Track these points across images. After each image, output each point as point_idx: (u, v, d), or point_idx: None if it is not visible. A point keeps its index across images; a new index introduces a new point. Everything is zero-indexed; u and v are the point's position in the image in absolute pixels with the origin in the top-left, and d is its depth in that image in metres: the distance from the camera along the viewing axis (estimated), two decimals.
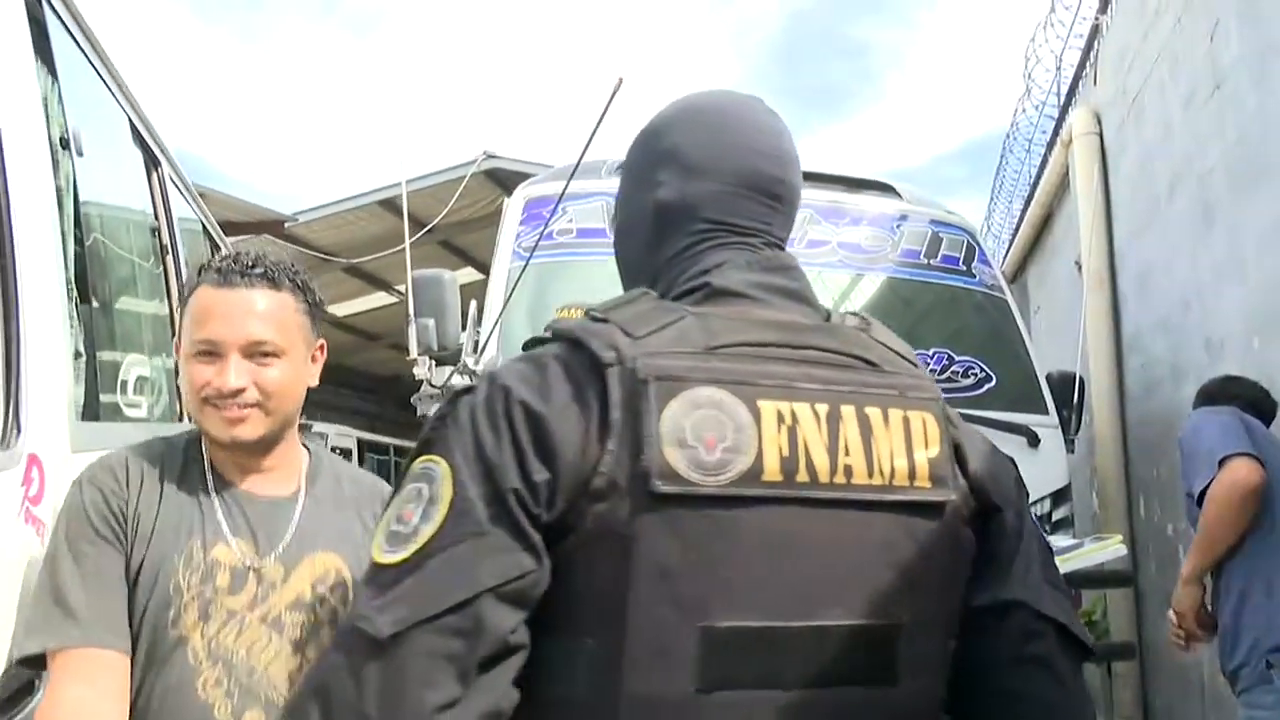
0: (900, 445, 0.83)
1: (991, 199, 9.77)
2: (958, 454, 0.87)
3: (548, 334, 0.87)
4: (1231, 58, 3.08)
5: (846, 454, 0.80)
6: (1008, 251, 8.15)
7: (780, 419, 0.79)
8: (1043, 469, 3.52)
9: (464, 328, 3.40)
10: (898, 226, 3.95)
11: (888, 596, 0.82)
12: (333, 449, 16.57)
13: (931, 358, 3.67)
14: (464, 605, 0.73)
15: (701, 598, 0.77)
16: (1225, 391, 2.54)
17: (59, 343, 1.58)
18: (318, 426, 16.87)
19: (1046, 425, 3.61)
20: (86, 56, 2.16)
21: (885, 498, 0.81)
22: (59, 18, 1.91)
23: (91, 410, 1.80)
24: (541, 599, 0.77)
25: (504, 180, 11.35)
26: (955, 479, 0.86)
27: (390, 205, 11.95)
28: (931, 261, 3.91)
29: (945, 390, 3.44)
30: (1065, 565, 2.30)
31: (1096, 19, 5.19)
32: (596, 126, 2.59)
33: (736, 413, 0.78)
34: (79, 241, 1.87)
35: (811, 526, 0.80)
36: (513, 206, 3.86)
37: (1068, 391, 3.79)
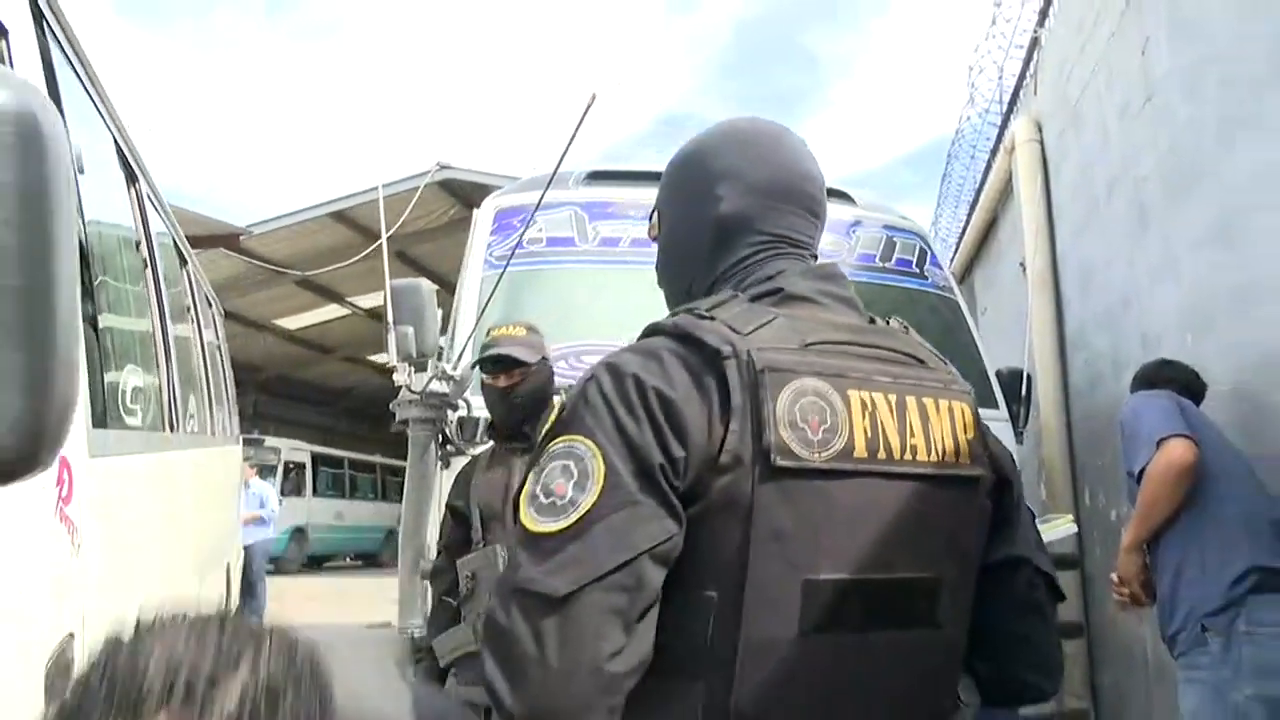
0: (949, 429, 0.99)
1: (938, 204, 10.05)
2: (983, 438, 1.04)
3: (660, 327, 0.99)
4: (1163, 71, 3.29)
5: (912, 435, 0.96)
6: (954, 255, 8.41)
7: (864, 406, 0.94)
8: None
9: (442, 334, 3.48)
10: (853, 231, 4.11)
11: (938, 554, 0.98)
12: (286, 464, 16.29)
13: None
14: (626, 565, 0.84)
15: (806, 556, 0.90)
16: (1161, 375, 2.72)
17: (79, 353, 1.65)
18: (270, 441, 16.73)
19: (996, 419, 3.77)
20: (78, 75, 2.22)
21: (941, 472, 0.98)
22: (56, 37, 1.98)
23: (100, 418, 1.87)
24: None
25: (457, 190, 11.41)
26: (985, 458, 1.02)
27: (342, 217, 11.92)
28: (886, 264, 4.08)
29: None
30: None
31: (1035, 31, 5.42)
32: (571, 139, 2.69)
33: (833, 400, 0.93)
34: (84, 257, 1.94)
35: (888, 495, 0.95)
36: (483, 217, 3.95)
37: (1016, 387, 3.98)
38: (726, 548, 0.89)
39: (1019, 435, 3.93)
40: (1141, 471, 2.43)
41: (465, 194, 11.33)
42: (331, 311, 15.45)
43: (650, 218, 1.18)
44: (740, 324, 0.95)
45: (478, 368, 2.74)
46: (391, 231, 10.76)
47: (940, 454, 0.98)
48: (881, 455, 0.94)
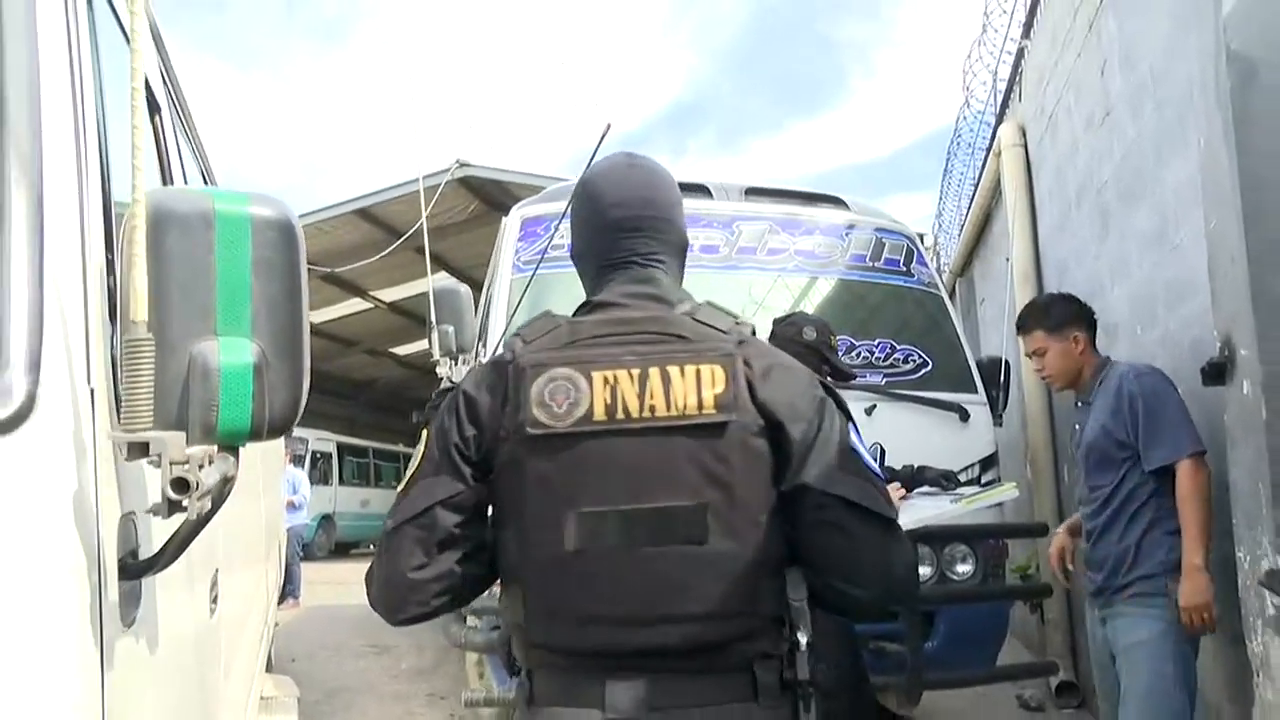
0: (692, 388, 1.25)
1: (940, 197, 10.42)
2: (751, 388, 1.27)
3: None
4: (1116, 91, 3.68)
5: (651, 397, 1.24)
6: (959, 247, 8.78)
7: (606, 382, 1.25)
8: (973, 440, 4.12)
9: (479, 334, 3.93)
10: (846, 235, 4.52)
11: (696, 486, 1.23)
12: (314, 453, 16.64)
13: (877, 346, 4.25)
14: (426, 511, 1.27)
15: (568, 494, 1.24)
16: None
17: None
18: (298, 432, 17.25)
19: (976, 403, 4.19)
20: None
21: (680, 423, 1.24)
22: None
23: None
24: (493, 507, 1.30)
25: (477, 187, 11.78)
26: (739, 405, 1.25)
27: (366, 214, 12.34)
28: (876, 264, 4.49)
29: (889, 374, 4.07)
30: (969, 507, 2.82)
31: (1021, 42, 5.80)
32: (589, 163, 3.12)
33: (578, 381, 1.25)
34: None
35: (632, 445, 1.24)
36: (511, 224, 4.38)
37: (995, 374, 4.36)
38: (514, 494, 1.27)
39: (998, 418, 4.32)
40: (1164, 468, 2.65)
41: (484, 191, 11.68)
42: (355, 305, 15.85)
43: None
44: (530, 335, 1.32)
45: None
46: (415, 228, 11.12)
47: (681, 408, 1.23)
48: (620, 416, 1.23)
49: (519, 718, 1.31)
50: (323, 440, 17.98)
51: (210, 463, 0.94)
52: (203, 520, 1.00)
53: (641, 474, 1.24)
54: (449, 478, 1.28)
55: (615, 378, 1.25)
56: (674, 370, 1.25)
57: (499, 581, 1.35)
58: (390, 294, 15.29)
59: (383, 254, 11.20)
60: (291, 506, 9.52)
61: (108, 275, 1.10)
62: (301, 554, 10.66)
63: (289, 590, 9.59)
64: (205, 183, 2.90)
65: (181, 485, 0.89)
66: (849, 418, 1.36)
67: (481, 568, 1.32)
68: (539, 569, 1.26)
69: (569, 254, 1.49)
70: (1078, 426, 2.98)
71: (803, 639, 1.25)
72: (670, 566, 1.23)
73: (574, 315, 1.38)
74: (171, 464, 0.89)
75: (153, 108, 1.78)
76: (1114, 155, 3.77)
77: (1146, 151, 3.38)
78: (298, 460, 14.15)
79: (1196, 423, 2.83)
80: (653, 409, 1.24)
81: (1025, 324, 3.07)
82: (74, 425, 0.90)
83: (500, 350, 1.34)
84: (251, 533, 3.05)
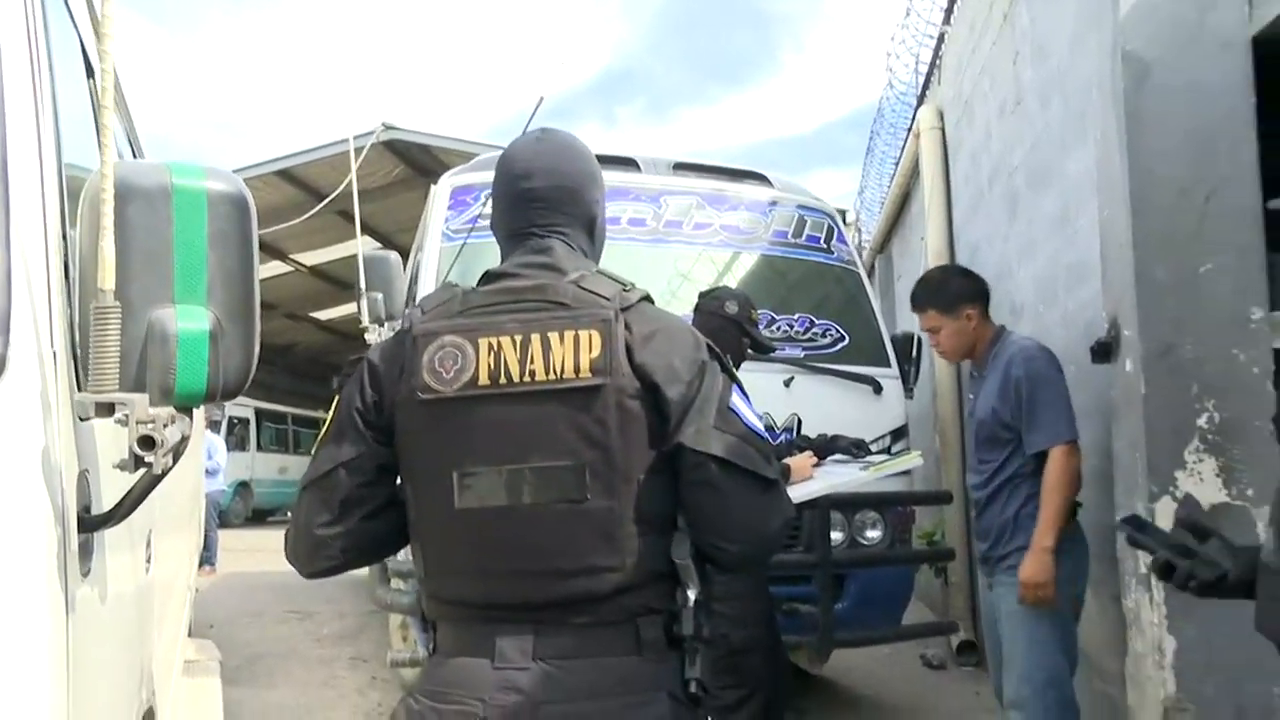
0: (570, 353, 1.29)
1: (863, 175, 10.66)
2: (629, 352, 1.30)
3: None
4: (1027, 81, 3.87)
5: (532, 362, 1.29)
6: (879, 225, 9.03)
7: (490, 348, 1.30)
8: (885, 411, 4.31)
9: (407, 302, 3.95)
10: (770, 211, 4.66)
11: (574, 446, 1.28)
12: (230, 419, 16.25)
13: (797, 320, 4.41)
14: (330, 472, 1.34)
15: (455, 455, 1.30)
16: None
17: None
18: None
19: (888, 376, 4.38)
20: None
21: (559, 386, 1.29)
22: None
23: None
24: (398, 468, 1.36)
25: (402, 151, 11.59)
26: (614, 369, 1.28)
27: (287, 175, 12.06)
28: (797, 241, 4.64)
29: (808, 347, 4.25)
30: (876, 474, 2.97)
31: (942, 27, 5.99)
32: (525, 130, 3.17)
33: (465, 349, 1.31)
34: None
35: (513, 408, 1.29)
36: (440, 193, 4.39)
37: (908, 348, 4.56)
38: (409, 456, 1.34)
39: (909, 391, 4.52)
40: (1041, 454, 2.79)
41: (409, 155, 11.52)
42: (275, 268, 15.50)
43: None
44: (428, 305, 1.39)
45: None
46: (339, 191, 10.90)
47: (559, 372, 1.28)
48: (503, 381, 1.29)
49: (425, 669, 1.39)
50: (240, 406, 17.61)
51: (173, 422, 1.00)
52: (158, 478, 1.06)
53: (523, 436, 1.29)
54: (350, 442, 1.35)
55: (499, 344, 1.30)
56: (554, 336, 1.30)
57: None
58: (311, 257, 15.00)
59: (305, 216, 10.99)
60: (208, 472, 9.34)
61: (63, 244, 1.14)
62: (218, 521, 10.50)
63: (205, 557, 9.47)
64: (131, 147, 2.87)
65: (147, 443, 0.95)
66: (734, 380, 1.39)
67: (389, 525, 1.39)
68: (432, 526, 1.34)
69: (490, 225, 1.55)
70: (971, 396, 3.09)
71: (690, 595, 1.31)
72: (551, 523, 1.28)
73: (476, 285, 1.44)
74: (138, 423, 0.95)
75: (88, 71, 1.79)
76: (1024, 142, 3.97)
77: (1053, 141, 3.57)
78: (214, 426, 13.86)
79: (1086, 398, 3.04)
80: (533, 373, 1.29)
81: (919, 303, 3.14)
82: (40, 385, 0.96)
83: (403, 320, 1.42)
84: (179, 496, 3.06)
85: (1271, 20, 2.48)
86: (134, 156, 3.24)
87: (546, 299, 1.35)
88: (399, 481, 1.39)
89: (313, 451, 1.40)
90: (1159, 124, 2.54)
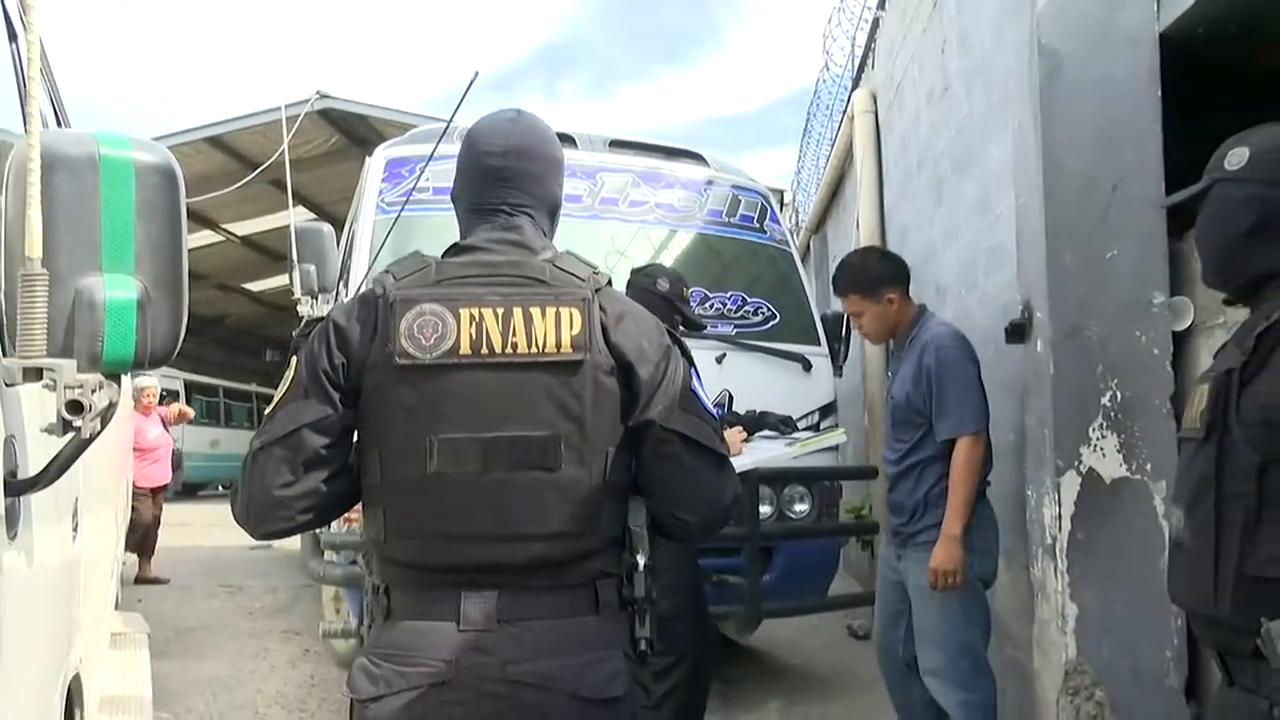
0: (551, 328, 1.35)
1: (800, 156, 10.79)
2: (605, 332, 1.37)
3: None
4: (953, 69, 3.98)
5: (514, 335, 1.34)
6: (814, 205, 9.15)
7: (472, 318, 1.34)
8: (814, 388, 4.43)
9: (341, 273, 3.93)
10: (705, 190, 4.73)
11: (550, 418, 1.34)
12: (161, 391, 16.00)
13: (729, 298, 4.50)
14: (293, 433, 1.32)
15: (429, 421, 1.32)
16: None
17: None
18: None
19: (818, 354, 4.50)
20: None
21: (539, 359, 1.34)
22: None
23: None
24: (358, 432, 1.37)
25: (337, 120, 11.42)
26: (593, 347, 1.36)
27: (218, 143, 11.80)
28: (731, 220, 4.72)
29: (739, 325, 4.34)
30: (801, 450, 3.08)
31: (876, 12, 6.08)
32: (456, 109, 3.17)
33: (445, 317, 1.34)
34: None
35: (493, 378, 1.34)
36: (374, 165, 4.37)
37: (837, 329, 4.67)
38: (379, 420, 1.35)
39: (839, 369, 4.64)
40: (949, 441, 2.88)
41: (345, 124, 11.34)
42: (205, 238, 15.16)
43: None
44: (400, 273, 1.40)
45: None
46: (271, 160, 10.67)
47: (540, 346, 1.34)
48: (484, 351, 1.33)
49: (374, 633, 1.40)
50: (168, 378, 17.20)
51: (101, 388, 1.02)
52: (85, 442, 1.08)
53: (501, 405, 1.33)
54: (317, 402, 1.34)
55: (480, 315, 1.34)
56: (535, 311, 1.35)
57: (361, 503, 1.43)
58: (243, 227, 14.70)
59: (237, 185, 10.75)
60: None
61: None
62: None
63: None
64: (55, 112, 2.81)
65: (75, 407, 0.98)
66: (691, 364, 1.49)
67: (345, 486, 1.39)
68: (400, 490, 1.35)
69: (450, 195, 1.57)
70: (890, 375, 3.17)
71: (640, 560, 1.38)
72: (523, 490, 1.33)
73: (442, 257, 1.47)
74: (66, 388, 0.97)
75: (11, 34, 1.77)
76: (950, 129, 4.08)
77: (975, 128, 3.69)
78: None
79: (1002, 377, 3.16)
80: (514, 346, 1.33)
81: (840, 287, 3.16)
82: None
83: (370, 285, 1.41)
84: (105, 466, 3.04)
85: (1178, 17, 2.61)
86: (59, 125, 3.17)
87: (525, 275, 1.40)
88: (354, 444, 1.40)
89: (269, 411, 1.38)
90: (1070, 116, 2.65)
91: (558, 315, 1.36)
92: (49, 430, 1.02)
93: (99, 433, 1.05)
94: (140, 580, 7.21)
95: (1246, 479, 1.39)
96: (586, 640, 1.35)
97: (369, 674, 1.33)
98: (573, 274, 1.42)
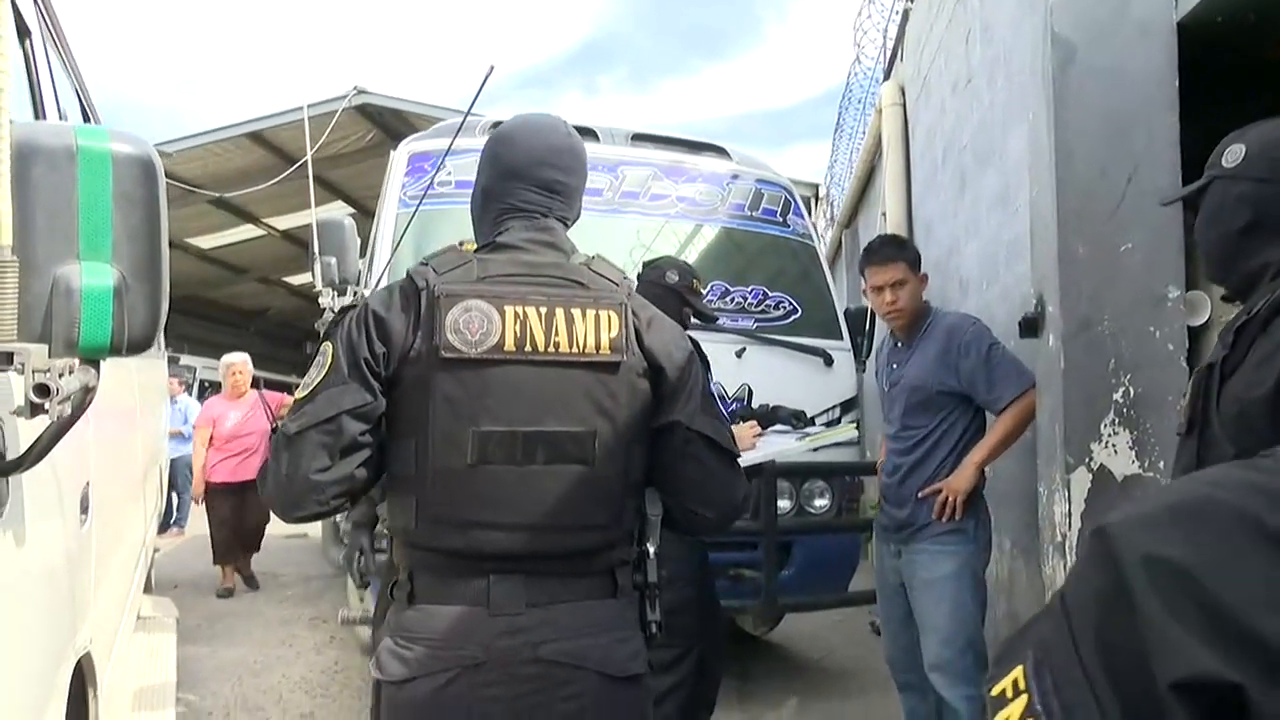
0: (591, 330, 1.42)
1: (833, 150, 10.72)
2: (638, 336, 1.45)
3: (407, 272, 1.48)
4: (976, 60, 3.93)
5: (557, 334, 1.40)
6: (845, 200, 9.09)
7: (516, 316, 1.39)
8: (835, 383, 4.40)
9: (361, 258, 3.99)
10: (728, 184, 4.71)
11: (586, 415, 1.41)
12: (202, 382, 16.11)
13: (750, 292, 4.49)
14: (333, 418, 1.34)
15: (471, 414, 1.37)
16: None
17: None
18: (185, 359, 16.79)
19: (840, 349, 4.47)
20: None
21: (580, 359, 1.41)
22: None
23: None
24: (388, 420, 1.39)
25: (375, 115, 11.54)
26: (630, 349, 1.44)
27: (259, 138, 11.98)
28: (754, 214, 4.70)
29: (760, 319, 4.32)
30: (812, 444, 3.07)
31: (906, 4, 6.03)
32: (473, 102, 3.21)
33: (490, 314, 1.38)
34: None
35: (534, 375, 1.39)
36: (398, 160, 4.42)
37: (860, 323, 4.64)
38: (417, 410, 1.38)
39: (861, 364, 4.61)
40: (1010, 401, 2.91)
41: (382, 119, 11.45)
42: (246, 232, 15.40)
43: None
44: (441, 267, 1.43)
45: None
46: (310, 155, 10.78)
47: (581, 347, 1.40)
48: (528, 349, 1.38)
49: (395, 617, 1.43)
50: (210, 369, 17.49)
51: (71, 372, 1.05)
52: (65, 425, 1.12)
53: (541, 401, 1.39)
54: (358, 388, 1.36)
55: (525, 313, 1.39)
56: (576, 312, 1.41)
57: (385, 490, 1.45)
58: (283, 221, 14.91)
59: (275, 180, 10.92)
60: (180, 437, 9.25)
61: None
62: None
63: (177, 519, 9.50)
64: (82, 108, 2.88)
65: (43, 390, 1.01)
66: (708, 368, 1.59)
67: (371, 474, 1.42)
68: (436, 479, 1.38)
69: (477, 189, 1.58)
70: (894, 366, 3.10)
71: (651, 548, 1.48)
72: (558, 483, 1.40)
73: (477, 253, 1.50)
74: (34, 371, 1.01)
75: (22, 32, 1.82)
76: (972, 120, 4.04)
77: (997, 120, 3.65)
78: (186, 389, 13.78)
79: None
80: (557, 345, 1.40)
81: (887, 254, 3.05)
82: None
83: (411, 278, 1.44)
84: (126, 453, 3.11)
85: (1195, 5, 2.55)
86: (85, 121, 3.24)
87: (566, 276, 1.46)
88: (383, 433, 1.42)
89: (303, 396, 1.38)
90: (1083, 106, 2.61)
91: (597, 318, 1.43)
92: (17, 413, 1.06)
93: (70, 416, 1.08)
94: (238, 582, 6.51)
95: None
96: (609, 621, 1.43)
97: (399, 657, 1.37)
98: (608, 278, 1.50)
